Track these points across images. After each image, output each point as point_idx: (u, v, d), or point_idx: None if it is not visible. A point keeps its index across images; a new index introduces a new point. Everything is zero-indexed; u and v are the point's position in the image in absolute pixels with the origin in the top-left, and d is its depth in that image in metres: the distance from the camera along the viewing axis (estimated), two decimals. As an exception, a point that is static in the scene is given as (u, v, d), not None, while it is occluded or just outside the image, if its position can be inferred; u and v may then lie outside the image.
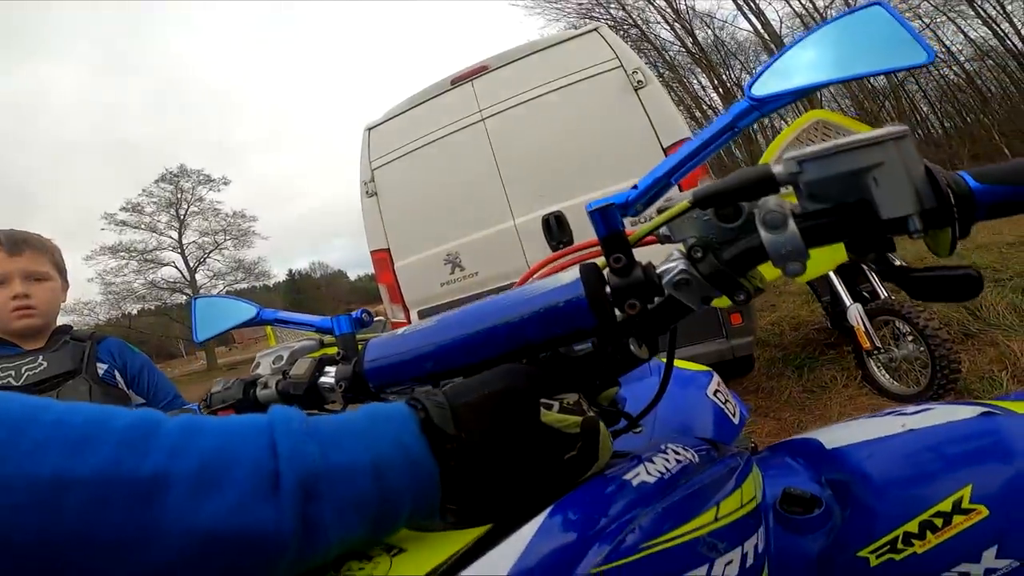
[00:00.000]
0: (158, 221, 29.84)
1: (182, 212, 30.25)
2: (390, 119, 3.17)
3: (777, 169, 0.36)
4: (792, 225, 0.36)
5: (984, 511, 0.43)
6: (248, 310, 0.68)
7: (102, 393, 1.25)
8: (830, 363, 3.15)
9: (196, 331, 0.70)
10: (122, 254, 28.77)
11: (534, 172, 2.83)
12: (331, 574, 0.32)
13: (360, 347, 0.55)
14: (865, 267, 2.80)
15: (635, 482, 0.39)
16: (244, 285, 31.53)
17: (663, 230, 0.44)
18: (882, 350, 2.52)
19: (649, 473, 0.40)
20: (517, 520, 0.33)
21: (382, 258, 3.12)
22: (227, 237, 31.56)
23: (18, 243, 1.26)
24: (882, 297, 2.71)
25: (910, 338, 2.45)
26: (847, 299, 2.63)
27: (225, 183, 31.43)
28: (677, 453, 0.45)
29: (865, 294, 2.80)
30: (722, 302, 0.41)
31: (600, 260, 0.44)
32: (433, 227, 3.00)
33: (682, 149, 0.42)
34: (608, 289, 0.42)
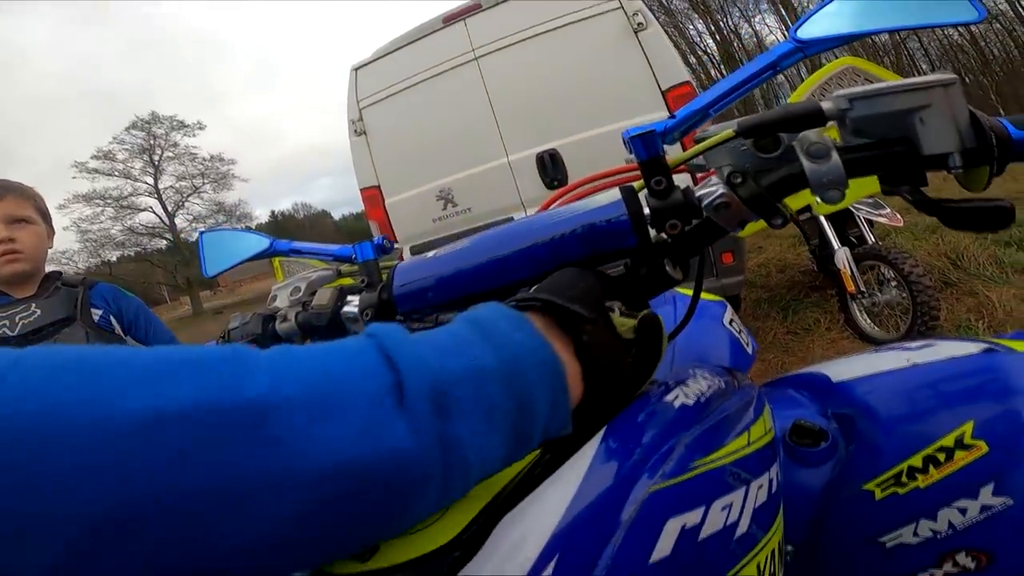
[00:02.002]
0: (132, 168, 28.97)
1: (156, 158, 29.32)
2: (378, 59, 3.09)
3: (826, 104, 0.38)
4: (835, 156, 0.37)
5: (984, 447, 0.43)
6: (260, 242, 0.66)
7: (99, 339, 1.23)
8: (814, 306, 3.23)
9: (205, 266, 0.68)
10: (96, 201, 28.00)
11: (529, 111, 2.79)
12: None
13: (383, 274, 0.54)
14: (854, 213, 2.83)
15: (676, 404, 0.40)
16: (226, 227, 30.92)
17: (697, 160, 0.45)
18: (866, 294, 2.58)
19: (687, 396, 0.41)
20: (566, 445, 0.34)
21: (372, 195, 3.11)
22: (205, 181, 30.82)
23: None
24: (870, 242, 2.75)
25: (893, 283, 2.51)
26: (835, 243, 2.66)
27: (200, 128, 30.49)
28: (706, 379, 0.46)
29: (853, 239, 2.84)
30: (756, 226, 0.42)
31: (637, 184, 0.45)
32: (425, 164, 2.98)
33: (722, 83, 0.44)
34: (647, 211, 0.43)
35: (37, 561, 0.19)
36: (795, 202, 0.45)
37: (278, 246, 0.66)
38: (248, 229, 0.70)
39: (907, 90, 0.35)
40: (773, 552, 0.39)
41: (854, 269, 2.55)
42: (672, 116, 0.45)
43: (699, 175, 0.52)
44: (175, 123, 29.66)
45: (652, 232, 0.44)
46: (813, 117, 0.38)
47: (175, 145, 29.83)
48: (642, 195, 0.44)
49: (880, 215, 2.76)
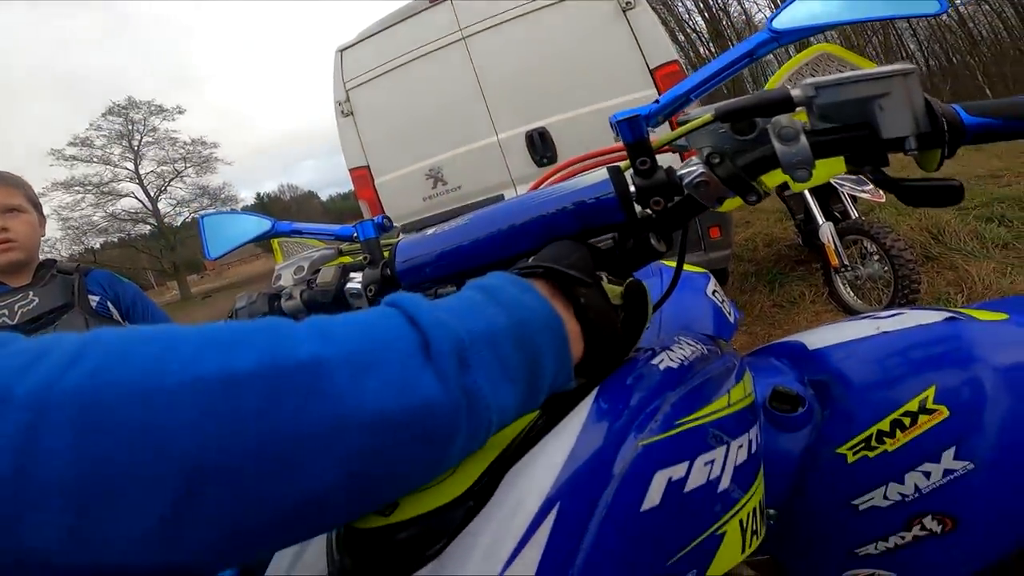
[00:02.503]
0: (111, 154, 28.27)
1: (135, 143, 28.65)
2: (364, 40, 3.06)
3: (795, 92, 0.41)
4: (804, 139, 0.41)
5: (945, 412, 0.46)
6: (262, 223, 0.68)
7: (98, 325, 1.23)
8: (799, 279, 3.29)
9: (207, 249, 0.69)
10: (76, 188, 27.37)
11: (517, 90, 2.79)
12: None
13: (384, 252, 0.56)
14: (838, 188, 2.87)
15: (662, 367, 0.43)
16: (211, 210, 30.46)
17: (680, 141, 0.48)
18: (849, 268, 2.63)
19: (672, 360, 0.44)
20: (562, 405, 0.37)
21: (362, 175, 3.12)
22: (187, 165, 30.23)
23: None
24: (853, 217, 2.80)
25: (876, 257, 2.56)
26: (820, 218, 2.71)
27: (180, 112, 29.77)
28: (690, 345, 0.49)
29: (837, 214, 2.88)
30: (733, 202, 0.46)
31: (623, 164, 0.49)
32: (413, 144, 2.99)
33: (703, 70, 0.47)
34: (632, 189, 0.46)
35: (151, 512, 0.21)
36: (771, 180, 0.48)
37: (280, 227, 0.68)
38: (249, 212, 0.70)
39: (868, 79, 0.39)
40: (755, 510, 0.42)
41: (838, 243, 2.60)
42: (656, 101, 0.48)
43: (684, 154, 0.55)
44: (153, 108, 28.98)
45: (637, 208, 0.47)
46: (783, 103, 0.41)
47: (154, 130, 29.17)
48: (628, 174, 0.47)
49: (863, 191, 2.80)
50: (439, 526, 0.32)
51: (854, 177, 2.92)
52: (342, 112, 3.10)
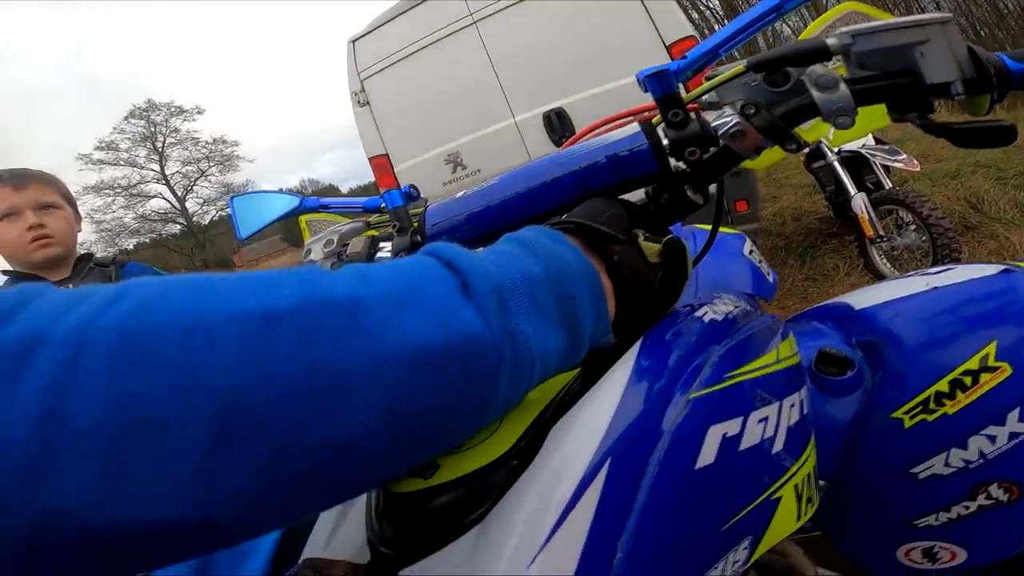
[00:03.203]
0: (136, 156, 28.93)
1: (159, 144, 29.29)
2: (375, 29, 3.06)
3: (831, 41, 0.41)
4: (843, 87, 0.40)
5: (1008, 369, 0.43)
6: (290, 200, 0.68)
7: None
8: (832, 252, 3.20)
9: (238, 229, 0.69)
10: (106, 191, 28.12)
11: (532, 71, 2.77)
12: None
13: (413, 223, 0.56)
14: (870, 159, 2.78)
15: (706, 319, 0.41)
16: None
17: (708, 97, 0.47)
18: (885, 238, 2.55)
19: (715, 313, 0.42)
20: (600, 362, 0.36)
21: (381, 163, 3.13)
22: (211, 164, 30.79)
23: (22, 177, 1.24)
24: (886, 187, 2.70)
25: (912, 227, 2.48)
26: (852, 188, 2.62)
27: (199, 112, 30.23)
28: (731, 302, 0.47)
29: (869, 184, 2.79)
30: (771, 155, 0.44)
31: (655, 119, 0.48)
32: (431, 130, 2.99)
33: (730, 25, 0.47)
34: (665, 142, 0.46)
35: (185, 457, 0.20)
36: (811, 135, 0.48)
37: (308, 203, 0.68)
38: (277, 190, 0.71)
39: (906, 27, 0.38)
40: (809, 476, 0.40)
41: (872, 214, 2.52)
42: (684, 57, 0.48)
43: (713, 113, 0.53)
44: (173, 109, 29.44)
45: (672, 162, 0.46)
46: (819, 52, 0.41)
47: (176, 131, 29.72)
48: (659, 129, 0.46)
49: (897, 160, 2.71)
50: (481, 488, 0.31)
51: (886, 147, 2.83)
52: (358, 102, 3.11)
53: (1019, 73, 0.40)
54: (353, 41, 3.12)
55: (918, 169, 2.76)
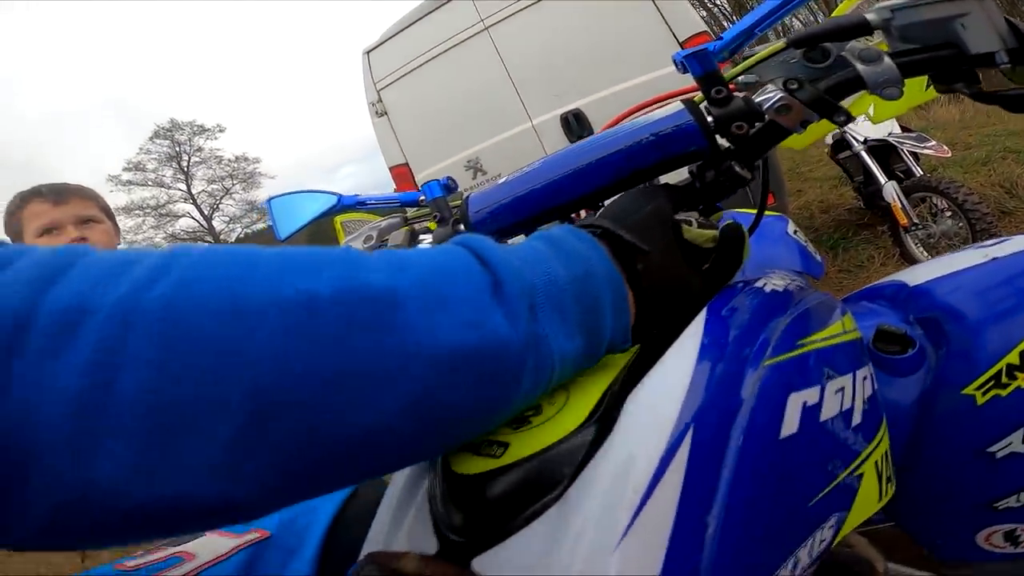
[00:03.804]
0: (163, 176, 29.68)
1: (184, 164, 30.06)
2: (388, 39, 3.10)
3: (870, 16, 0.41)
4: (887, 59, 0.41)
5: None
6: (328, 199, 0.67)
7: None
8: (865, 243, 3.13)
9: (278, 230, 0.69)
10: (136, 212, 28.95)
11: (546, 74, 2.77)
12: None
13: (454, 213, 0.55)
14: (898, 147, 2.72)
15: (767, 290, 0.40)
16: (261, 225, 31.69)
17: (744, 78, 0.48)
18: (920, 226, 2.48)
19: (775, 285, 0.41)
20: (669, 331, 0.35)
21: (402, 172, 3.16)
22: (235, 182, 31.47)
23: (62, 192, 1.25)
24: (917, 175, 2.64)
25: (948, 214, 2.41)
26: (882, 177, 2.56)
27: (220, 130, 30.95)
28: (784, 278, 0.46)
29: (900, 173, 2.73)
30: (816, 131, 0.43)
31: (697, 96, 0.48)
32: (449, 137, 3.01)
33: (766, 3, 0.46)
34: (709, 119, 0.46)
35: (219, 436, 0.20)
36: (855, 109, 0.48)
37: (345, 201, 0.68)
38: (313, 190, 0.71)
39: (943, 0, 0.39)
40: (886, 455, 0.39)
41: (904, 202, 2.45)
42: (720, 38, 0.48)
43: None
44: (195, 128, 30.11)
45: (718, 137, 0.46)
46: (860, 27, 0.42)
47: (200, 150, 30.43)
48: (702, 107, 0.46)
49: (926, 148, 2.64)
50: (555, 466, 0.29)
51: (914, 134, 2.76)
52: (376, 112, 3.14)
53: None
54: (367, 52, 3.16)
55: (949, 155, 2.68)
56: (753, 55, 0.48)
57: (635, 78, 2.57)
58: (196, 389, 0.20)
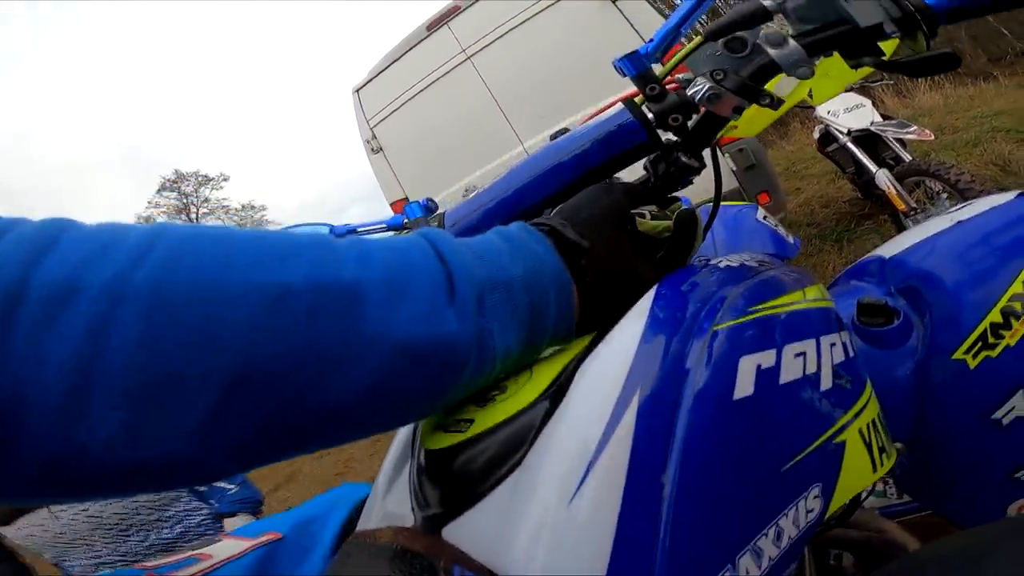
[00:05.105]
0: (174, 231, 30.24)
1: (193, 216, 30.56)
2: (376, 76, 3.17)
3: (767, 1, 0.44)
4: (792, 41, 0.44)
5: None
6: (321, 231, 0.70)
7: None
8: (870, 233, 3.13)
9: None
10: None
11: (532, 97, 2.83)
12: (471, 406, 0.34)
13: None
14: (882, 135, 2.74)
15: (722, 266, 0.42)
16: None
17: (685, 76, 0.51)
18: (918, 210, 2.47)
19: (731, 262, 0.43)
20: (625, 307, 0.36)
21: (402, 207, 3.18)
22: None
23: None
24: (907, 160, 2.64)
25: (945, 195, 2.41)
26: (872, 166, 2.58)
27: (225, 179, 31.42)
28: (749, 256, 0.47)
29: (889, 160, 2.74)
30: (760, 120, 0.44)
31: (638, 98, 0.51)
32: (446, 167, 3.05)
33: (684, 4, 0.49)
34: (650, 116, 0.49)
35: (199, 406, 0.23)
36: (790, 100, 0.50)
37: (337, 230, 0.72)
38: (306, 223, 0.75)
39: None
40: (874, 423, 0.39)
41: (898, 187, 2.46)
42: (650, 40, 0.51)
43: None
44: (200, 178, 30.54)
45: (662, 135, 0.49)
46: (760, 13, 0.44)
47: (207, 200, 30.92)
48: (644, 107, 0.50)
49: (908, 133, 2.67)
50: (515, 434, 0.31)
51: (895, 121, 2.78)
52: (372, 149, 3.20)
53: (940, 8, 0.41)
54: (357, 90, 3.22)
55: (931, 138, 2.70)
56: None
57: (616, 93, 2.59)
58: (178, 366, 0.22)
